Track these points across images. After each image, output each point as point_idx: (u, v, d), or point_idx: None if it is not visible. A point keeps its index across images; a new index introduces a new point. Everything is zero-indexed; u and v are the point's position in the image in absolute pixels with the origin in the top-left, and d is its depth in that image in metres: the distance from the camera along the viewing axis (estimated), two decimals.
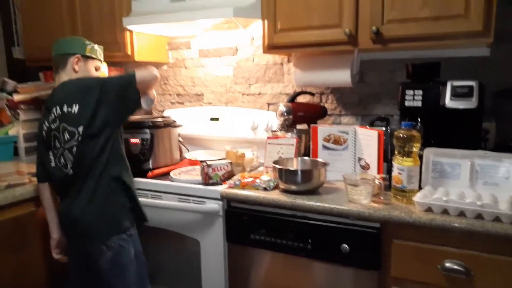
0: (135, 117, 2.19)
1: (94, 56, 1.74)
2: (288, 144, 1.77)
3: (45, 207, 1.70)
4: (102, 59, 1.80)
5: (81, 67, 1.70)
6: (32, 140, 2.44)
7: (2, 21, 2.95)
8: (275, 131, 1.95)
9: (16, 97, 2.38)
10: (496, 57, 1.72)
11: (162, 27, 2.14)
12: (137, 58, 2.27)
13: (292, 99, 1.97)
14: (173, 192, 1.76)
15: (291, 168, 1.68)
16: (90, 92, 1.56)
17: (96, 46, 1.76)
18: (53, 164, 1.60)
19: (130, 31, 2.22)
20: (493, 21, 1.44)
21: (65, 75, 1.68)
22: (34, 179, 1.88)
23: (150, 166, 1.95)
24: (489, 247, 1.23)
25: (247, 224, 1.60)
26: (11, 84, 2.45)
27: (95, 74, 1.76)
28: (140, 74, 1.65)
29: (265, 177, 1.67)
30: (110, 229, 1.57)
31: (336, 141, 1.72)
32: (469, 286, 1.26)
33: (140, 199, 1.80)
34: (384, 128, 1.61)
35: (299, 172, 1.60)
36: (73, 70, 1.68)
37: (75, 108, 1.55)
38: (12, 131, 2.39)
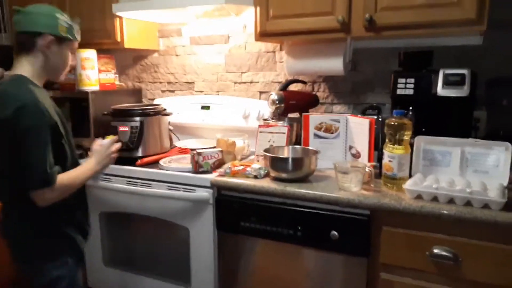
0: (124, 104, 2.18)
1: (71, 37, 1.38)
2: (279, 133, 1.76)
3: None
4: (79, 37, 1.44)
5: (54, 52, 1.34)
6: None
7: None
8: (266, 119, 1.94)
9: None
10: (489, 46, 1.72)
11: (152, 13, 2.11)
12: (127, 45, 2.25)
13: (284, 87, 1.95)
14: (163, 180, 1.74)
15: (281, 156, 1.67)
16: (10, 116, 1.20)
17: (71, 21, 1.39)
18: None
19: (120, 18, 2.19)
20: (487, 9, 1.43)
21: (28, 63, 1.32)
22: None
23: (140, 154, 1.93)
24: (478, 233, 1.23)
25: (237, 212, 1.59)
26: None
27: (68, 60, 1.42)
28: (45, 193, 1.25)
29: (256, 165, 1.66)
30: (41, 255, 1.37)
31: (328, 130, 1.71)
32: (457, 271, 1.26)
33: (129, 187, 1.79)
34: (375, 117, 1.60)
35: (290, 160, 1.59)
36: (42, 55, 1.33)
37: None
38: None
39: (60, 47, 1.36)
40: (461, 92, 1.50)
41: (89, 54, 2.17)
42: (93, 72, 2.21)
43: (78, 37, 1.43)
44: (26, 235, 1.36)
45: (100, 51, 2.26)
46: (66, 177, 1.31)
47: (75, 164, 1.43)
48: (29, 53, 1.32)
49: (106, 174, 1.84)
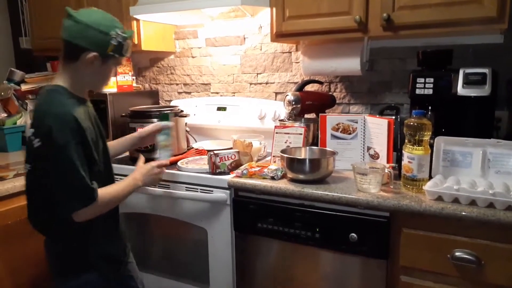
0: (142, 106, 2.20)
1: (117, 55, 1.27)
2: (296, 133, 1.75)
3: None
4: (128, 53, 1.34)
5: (96, 68, 1.25)
6: None
7: (10, 11, 2.96)
8: (282, 120, 1.94)
9: (24, 87, 2.39)
10: (510, 44, 1.68)
11: (169, 16, 2.13)
12: (144, 47, 2.27)
13: (300, 88, 1.94)
14: (181, 182, 1.75)
15: (299, 157, 1.66)
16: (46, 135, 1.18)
17: (122, 39, 1.26)
18: None
19: (137, 20, 2.21)
20: (508, 7, 1.40)
21: (68, 73, 1.27)
22: None
23: (158, 155, 1.94)
24: (501, 236, 1.21)
25: (254, 213, 1.59)
26: (18, 74, 2.47)
27: (110, 75, 1.35)
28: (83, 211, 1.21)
29: (273, 167, 1.66)
30: (59, 271, 1.35)
31: (345, 130, 1.70)
32: (479, 275, 1.24)
33: (147, 188, 1.80)
34: (394, 117, 1.59)
35: (307, 161, 1.58)
36: (83, 68, 1.25)
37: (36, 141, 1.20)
38: (20, 121, 2.41)
39: (104, 64, 1.27)
40: (482, 91, 1.47)
41: None
42: None
43: (127, 54, 1.32)
44: (50, 249, 1.37)
45: None
46: (106, 193, 1.26)
47: (109, 179, 1.38)
48: (71, 63, 1.25)
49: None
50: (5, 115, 2.40)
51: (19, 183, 1.69)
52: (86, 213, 1.23)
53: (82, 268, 1.33)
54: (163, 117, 1.67)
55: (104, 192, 1.26)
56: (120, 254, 1.44)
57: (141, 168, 1.45)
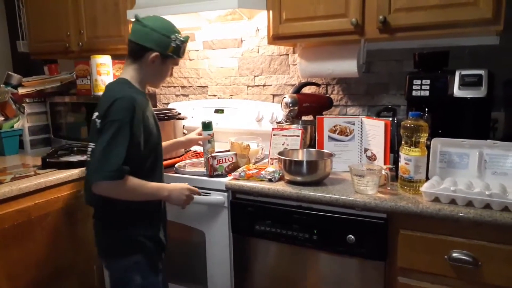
0: None
1: (175, 56, 1.44)
2: (293, 136, 1.76)
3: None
4: (184, 54, 1.50)
5: (157, 66, 1.42)
6: (37, 133, 2.45)
7: (7, 15, 2.96)
8: (280, 122, 1.94)
9: (21, 91, 2.38)
10: (506, 46, 1.69)
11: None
12: None
13: (298, 90, 1.95)
14: None
15: (296, 159, 1.66)
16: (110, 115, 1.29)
17: (181, 42, 1.43)
18: None
19: None
20: (503, 9, 1.41)
21: (132, 69, 1.42)
22: (39, 171, 1.89)
23: None
24: (498, 237, 1.21)
25: (252, 215, 1.60)
26: (15, 77, 2.46)
27: (168, 73, 1.51)
28: (111, 187, 1.28)
29: (270, 169, 1.66)
30: (110, 251, 1.43)
31: (342, 132, 1.70)
32: (477, 276, 1.24)
33: None
34: (390, 119, 1.59)
35: (305, 163, 1.58)
36: (145, 66, 1.41)
37: (98, 121, 1.34)
38: (17, 125, 2.40)
39: (163, 63, 1.43)
40: (478, 93, 1.48)
41: (104, 60, 2.21)
42: (108, 78, 2.24)
43: (183, 55, 1.49)
44: (100, 232, 1.45)
45: (115, 57, 2.29)
46: (134, 181, 1.32)
47: (156, 174, 1.45)
48: (135, 61, 1.42)
49: None
50: (2, 118, 2.39)
51: (16, 187, 1.68)
52: (105, 187, 1.28)
53: (129, 250, 1.40)
54: (207, 126, 1.77)
55: (133, 179, 1.31)
56: (162, 240, 1.50)
57: (176, 184, 1.51)
